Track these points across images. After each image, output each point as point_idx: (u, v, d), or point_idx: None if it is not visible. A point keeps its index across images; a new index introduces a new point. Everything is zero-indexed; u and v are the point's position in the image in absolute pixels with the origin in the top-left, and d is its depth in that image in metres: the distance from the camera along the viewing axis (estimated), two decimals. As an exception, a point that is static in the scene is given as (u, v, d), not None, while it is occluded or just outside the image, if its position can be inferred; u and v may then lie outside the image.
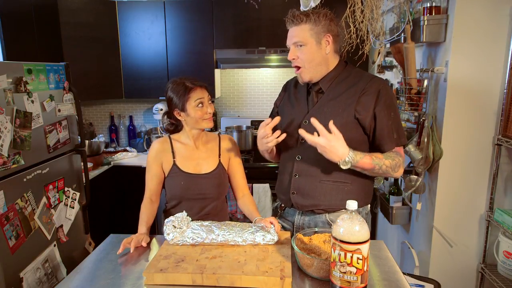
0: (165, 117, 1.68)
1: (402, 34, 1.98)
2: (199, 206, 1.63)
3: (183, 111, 1.58)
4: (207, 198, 1.64)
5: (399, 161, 1.39)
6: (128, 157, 3.24)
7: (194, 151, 1.66)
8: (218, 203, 1.68)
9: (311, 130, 1.40)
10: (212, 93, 3.26)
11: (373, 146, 1.44)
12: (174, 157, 1.64)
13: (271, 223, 1.41)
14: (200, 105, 1.56)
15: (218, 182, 1.65)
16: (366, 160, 1.33)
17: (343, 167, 1.31)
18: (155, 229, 1.88)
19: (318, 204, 1.46)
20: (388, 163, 1.36)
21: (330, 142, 1.26)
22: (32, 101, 1.86)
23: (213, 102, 3.53)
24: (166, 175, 1.65)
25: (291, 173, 1.50)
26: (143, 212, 1.59)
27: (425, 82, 1.98)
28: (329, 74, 1.46)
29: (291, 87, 1.63)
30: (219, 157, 1.68)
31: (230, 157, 1.71)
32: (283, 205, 1.61)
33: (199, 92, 1.56)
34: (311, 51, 1.40)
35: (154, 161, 1.64)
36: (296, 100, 1.55)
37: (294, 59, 1.43)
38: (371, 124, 1.41)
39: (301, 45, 1.40)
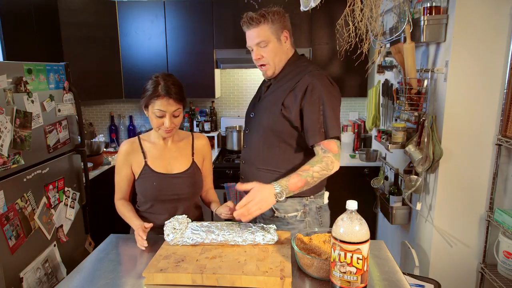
0: None
1: (402, 34, 1.98)
2: (172, 207, 1.58)
3: (146, 110, 1.55)
4: (181, 199, 1.59)
5: (329, 158, 1.39)
6: (128, 157, 3.23)
7: (165, 150, 1.60)
8: (192, 203, 1.65)
9: (255, 122, 1.56)
10: (210, 94, 3.26)
11: (304, 140, 1.47)
12: (145, 158, 1.58)
13: (228, 206, 1.46)
14: (159, 115, 1.48)
15: (192, 181, 1.61)
16: (294, 180, 1.34)
17: (282, 199, 1.34)
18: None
19: None
20: (317, 169, 1.37)
21: (255, 199, 1.28)
22: (32, 101, 1.86)
23: (213, 102, 3.57)
24: (137, 177, 1.58)
25: (241, 160, 1.68)
26: (126, 209, 1.56)
27: (425, 82, 1.98)
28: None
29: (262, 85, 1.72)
30: (193, 156, 1.64)
31: (204, 157, 1.68)
32: None
33: (164, 104, 1.46)
34: (274, 48, 1.48)
35: (124, 163, 1.59)
36: (255, 96, 1.69)
37: (259, 58, 1.50)
38: (297, 119, 1.45)
39: (264, 45, 1.47)
